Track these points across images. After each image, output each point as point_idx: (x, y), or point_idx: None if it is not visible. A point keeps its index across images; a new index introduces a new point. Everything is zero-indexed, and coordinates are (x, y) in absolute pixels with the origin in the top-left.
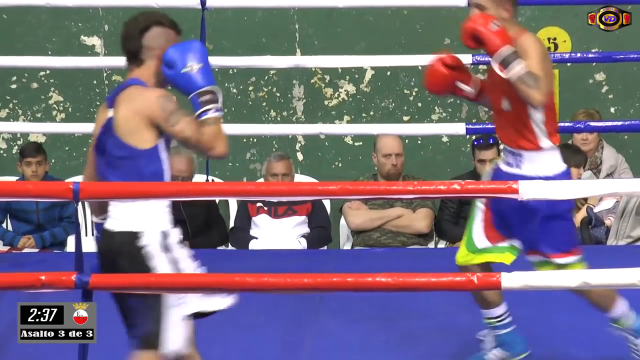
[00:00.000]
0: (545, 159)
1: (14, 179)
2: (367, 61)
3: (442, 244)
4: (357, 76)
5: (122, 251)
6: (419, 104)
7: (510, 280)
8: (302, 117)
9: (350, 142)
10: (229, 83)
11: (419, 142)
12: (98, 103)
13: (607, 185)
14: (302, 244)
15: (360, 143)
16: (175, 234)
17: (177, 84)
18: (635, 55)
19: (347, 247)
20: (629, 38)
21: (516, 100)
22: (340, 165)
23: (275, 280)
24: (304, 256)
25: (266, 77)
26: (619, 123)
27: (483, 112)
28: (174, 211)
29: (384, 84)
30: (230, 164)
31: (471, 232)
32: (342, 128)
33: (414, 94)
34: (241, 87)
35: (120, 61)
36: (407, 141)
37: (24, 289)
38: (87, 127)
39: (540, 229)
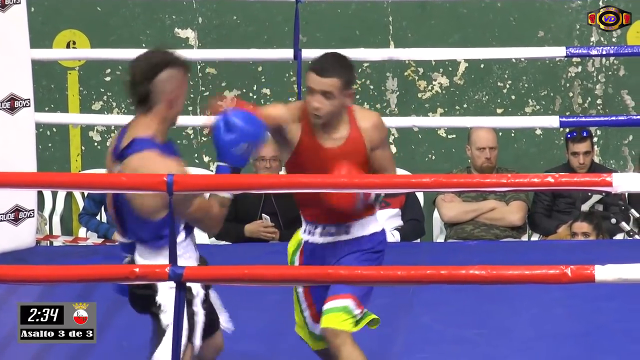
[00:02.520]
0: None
1: None
2: (461, 54)
3: (535, 237)
4: (450, 69)
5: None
6: (513, 97)
7: (605, 272)
8: (396, 109)
9: (444, 135)
10: None
11: (513, 134)
12: (192, 95)
13: None
14: (396, 237)
15: (454, 136)
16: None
17: (222, 147)
18: None
19: (440, 240)
20: None
21: None
22: (433, 158)
23: (369, 272)
24: (398, 249)
25: (359, 70)
26: None
27: (577, 104)
28: (266, 203)
29: (477, 77)
30: None
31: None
32: (436, 121)
33: (507, 86)
34: None
35: (215, 54)
36: (500, 134)
37: (118, 280)
38: (181, 120)
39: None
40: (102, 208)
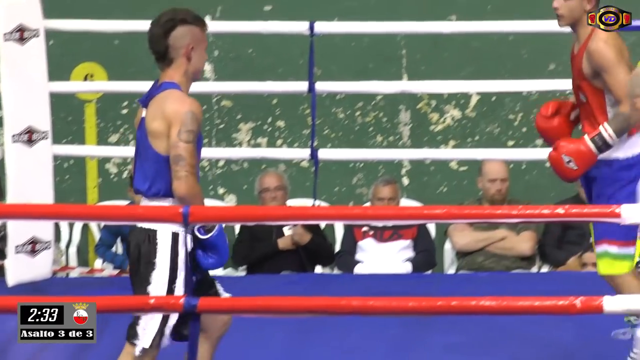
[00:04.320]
0: (620, 144)
1: (124, 203)
2: (473, 86)
3: (545, 268)
4: (462, 101)
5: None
6: (524, 129)
7: (614, 303)
8: (409, 142)
9: (456, 167)
10: (337, 108)
11: (524, 166)
12: (208, 128)
13: None
14: (407, 268)
15: (466, 167)
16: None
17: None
18: None
19: (452, 271)
20: None
21: (591, 93)
22: (445, 189)
23: (380, 303)
24: (409, 280)
25: (373, 102)
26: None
27: None
28: (269, 241)
29: (489, 109)
30: (337, 188)
31: None
32: (448, 153)
33: (518, 119)
34: (348, 112)
35: (230, 86)
36: (511, 166)
37: (134, 311)
38: None
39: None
40: (119, 239)
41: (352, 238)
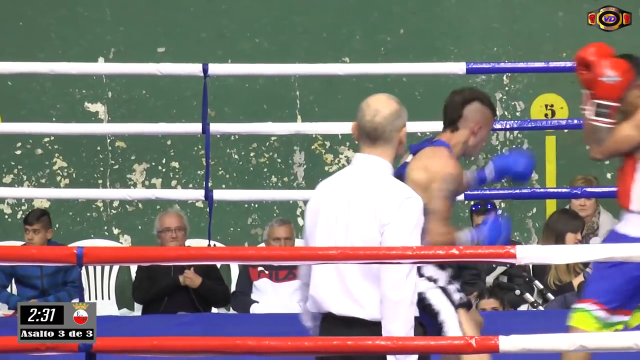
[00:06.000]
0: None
1: (19, 243)
2: None
3: None
4: (357, 142)
5: None
6: None
7: (509, 343)
8: (303, 182)
9: None
10: (231, 149)
11: None
12: (102, 169)
13: (603, 250)
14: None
15: None
16: None
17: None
18: None
19: None
20: None
21: (625, 159)
22: None
23: (276, 343)
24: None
25: (267, 143)
26: (615, 189)
27: None
28: (169, 277)
29: None
30: (231, 229)
31: None
32: None
33: None
34: (242, 153)
35: (124, 127)
36: None
37: (29, 352)
38: (91, 193)
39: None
40: (13, 280)
41: (247, 278)
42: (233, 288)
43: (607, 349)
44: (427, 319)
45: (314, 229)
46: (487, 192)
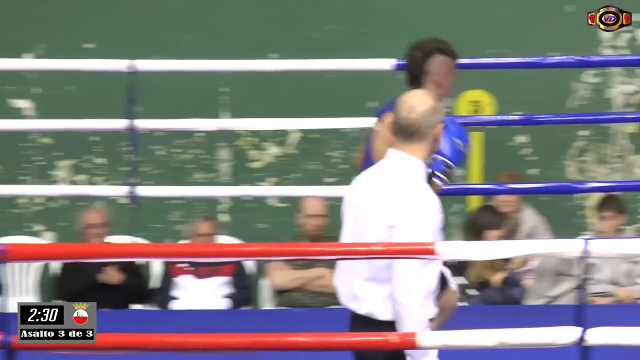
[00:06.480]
0: None
1: None
2: (293, 124)
3: None
4: (283, 138)
5: None
6: (344, 166)
7: (429, 338)
8: (228, 179)
9: (276, 204)
10: (156, 145)
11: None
12: (26, 164)
13: (525, 246)
14: (226, 304)
15: (286, 205)
16: None
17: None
18: (557, 118)
19: (270, 307)
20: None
21: None
22: (265, 226)
23: (196, 339)
24: (227, 316)
25: (192, 140)
26: (539, 185)
27: None
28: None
29: (311, 146)
30: (155, 225)
31: None
32: (267, 190)
33: (338, 155)
34: (168, 149)
35: (50, 124)
36: (330, 202)
37: None
38: (12, 189)
39: None
40: None
41: (168, 274)
42: (153, 284)
43: (528, 345)
44: None
45: (344, 224)
46: None
